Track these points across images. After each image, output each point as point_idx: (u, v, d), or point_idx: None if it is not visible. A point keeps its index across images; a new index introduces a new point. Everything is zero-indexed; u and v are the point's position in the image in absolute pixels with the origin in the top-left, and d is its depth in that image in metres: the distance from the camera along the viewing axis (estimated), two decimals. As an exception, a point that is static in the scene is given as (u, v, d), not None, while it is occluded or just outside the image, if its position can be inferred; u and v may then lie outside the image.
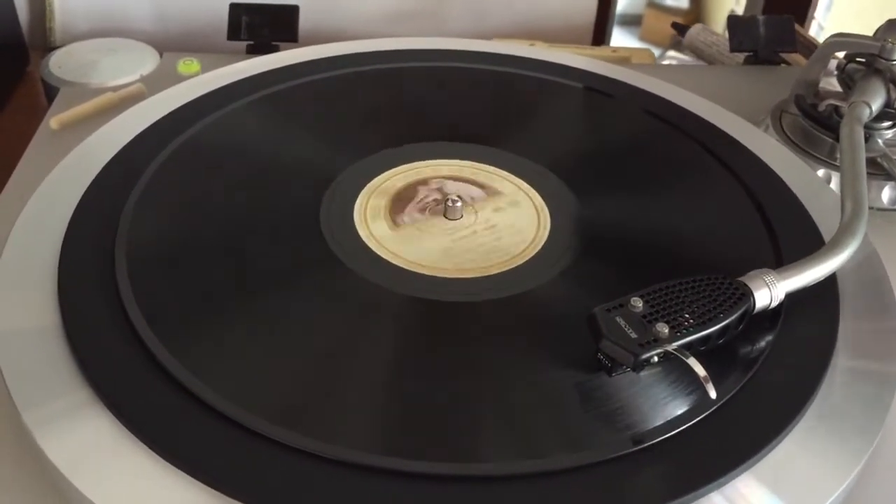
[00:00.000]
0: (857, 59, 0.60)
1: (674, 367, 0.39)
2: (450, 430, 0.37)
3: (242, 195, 0.50)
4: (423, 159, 0.54)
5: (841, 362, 0.41)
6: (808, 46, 0.79)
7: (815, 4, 1.05)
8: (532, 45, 0.76)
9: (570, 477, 0.35)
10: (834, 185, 0.57)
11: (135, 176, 0.50)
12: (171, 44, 0.78)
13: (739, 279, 0.40)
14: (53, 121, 0.58)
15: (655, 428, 0.36)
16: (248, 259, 0.46)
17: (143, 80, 0.65)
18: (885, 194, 0.56)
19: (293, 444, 0.35)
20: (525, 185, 0.52)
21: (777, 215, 0.50)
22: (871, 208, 0.47)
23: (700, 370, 0.36)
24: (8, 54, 0.77)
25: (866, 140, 0.54)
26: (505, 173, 0.53)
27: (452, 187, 0.52)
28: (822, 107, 0.60)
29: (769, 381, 0.39)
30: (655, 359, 0.37)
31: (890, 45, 0.57)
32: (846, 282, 0.45)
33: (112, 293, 0.42)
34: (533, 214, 0.50)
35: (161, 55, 0.70)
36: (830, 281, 0.44)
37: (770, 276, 0.41)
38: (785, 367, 0.40)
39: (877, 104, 0.56)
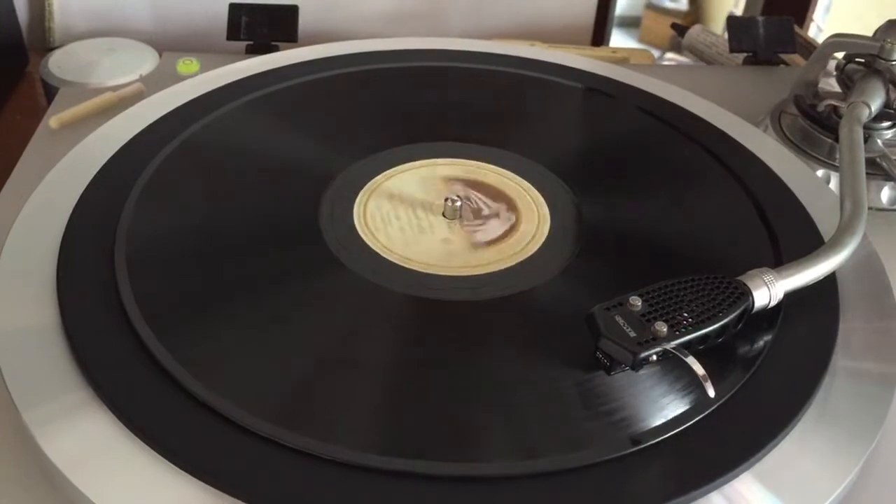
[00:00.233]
0: (857, 60, 0.60)
1: (673, 366, 0.39)
2: (448, 430, 0.37)
3: (241, 195, 0.50)
4: (422, 159, 0.54)
5: (840, 362, 0.41)
6: (808, 47, 0.79)
7: (815, 6, 1.05)
8: (532, 45, 0.76)
9: (568, 477, 0.35)
10: (833, 185, 0.57)
11: (134, 175, 0.50)
12: (171, 44, 0.78)
13: (738, 278, 0.40)
14: (53, 120, 0.58)
15: (654, 427, 0.36)
16: (248, 258, 0.46)
17: (142, 79, 0.65)
18: (885, 194, 0.56)
19: (293, 443, 0.35)
20: (525, 184, 0.52)
21: (776, 215, 0.50)
22: (870, 208, 0.47)
23: (699, 369, 0.36)
24: (7, 54, 0.77)
25: (865, 140, 0.54)
26: (505, 172, 0.53)
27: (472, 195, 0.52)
28: (821, 107, 0.60)
29: (768, 381, 0.39)
30: (654, 357, 0.37)
31: (889, 45, 0.57)
32: (846, 282, 0.45)
33: (111, 293, 0.42)
34: (532, 213, 0.50)
35: (160, 55, 0.70)
36: (830, 281, 0.44)
37: (769, 276, 0.41)
38: (784, 367, 0.40)
39: (876, 104, 0.56)
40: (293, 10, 0.71)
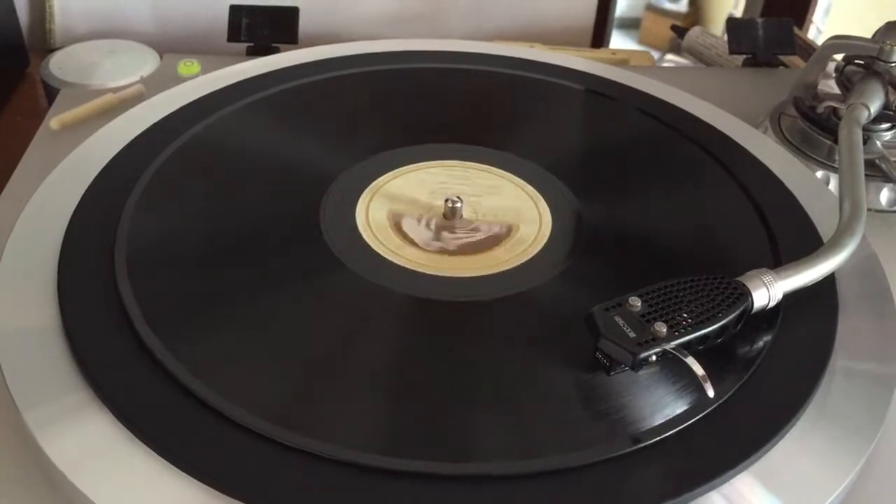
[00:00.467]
0: (856, 62, 0.60)
1: (672, 366, 0.39)
2: (448, 430, 0.37)
3: (242, 196, 0.50)
4: (424, 160, 0.54)
5: (839, 362, 0.41)
6: (807, 49, 0.79)
7: (814, 8, 1.05)
8: (532, 47, 0.76)
9: (568, 476, 0.35)
10: (832, 186, 0.57)
11: (135, 177, 0.50)
12: (172, 45, 0.79)
13: (738, 279, 0.41)
14: (54, 121, 0.59)
15: (654, 427, 0.36)
16: (248, 259, 0.46)
17: (143, 81, 0.65)
18: (884, 196, 0.56)
19: (293, 443, 0.35)
20: (525, 186, 0.52)
21: (776, 216, 0.50)
22: (869, 210, 0.47)
23: (698, 369, 0.37)
24: (8, 56, 0.77)
25: (865, 142, 0.54)
26: (505, 173, 0.53)
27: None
28: (820, 109, 0.60)
29: (768, 381, 0.39)
30: (654, 358, 0.37)
31: (888, 47, 0.57)
32: (845, 283, 0.45)
33: (112, 293, 0.42)
34: (534, 215, 0.50)
35: (161, 56, 0.70)
36: (829, 282, 0.44)
37: (768, 276, 0.41)
38: (783, 367, 0.40)
39: (875, 106, 0.56)
40: (294, 11, 0.71)
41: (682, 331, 0.38)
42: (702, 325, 0.38)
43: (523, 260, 0.47)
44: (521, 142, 0.57)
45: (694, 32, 0.86)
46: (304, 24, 0.72)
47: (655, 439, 0.36)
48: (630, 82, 0.64)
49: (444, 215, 0.49)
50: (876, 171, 0.56)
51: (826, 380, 0.40)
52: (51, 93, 0.65)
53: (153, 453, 0.35)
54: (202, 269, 0.45)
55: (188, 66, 0.67)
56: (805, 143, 0.60)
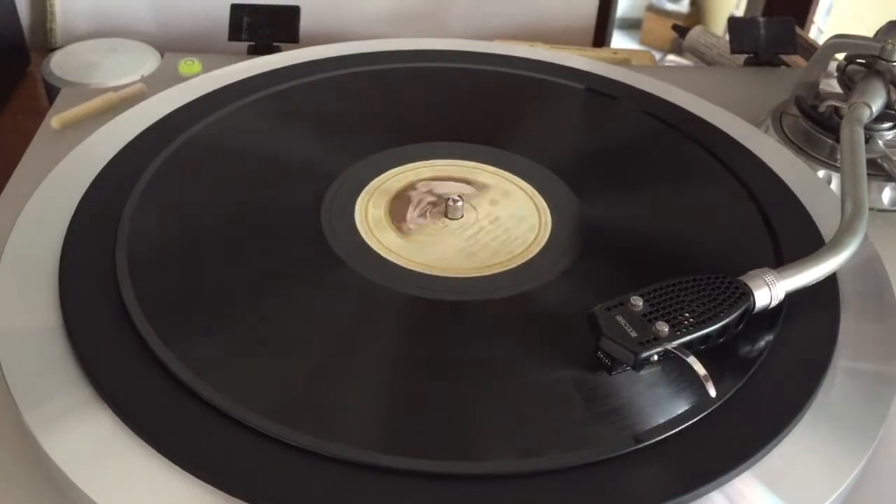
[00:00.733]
0: (858, 61, 0.60)
1: (674, 366, 0.39)
2: (450, 429, 0.37)
3: (243, 195, 0.50)
4: (425, 160, 0.54)
5: (841, 362, 0.41)
6: (809, 48, 0.79)
7: (815, 8, 1.05)
8: (533, 46, 0.76)
9: (569, 476, 0.35)
10: (834, 185, 0.57)
11: (136, 175, 0.50)
12: (172, 44, 0.79)
13: (739, 278, 0.40)
14: (54, 120, 0.59)
15: (655, 427, 0.36)
16: (249, 258, 0.46)
17: (143, 80, 0.65)
18: (886, 195, 0.56)
19: (294, 441, 0.35)
20: (526, 186, 0.52)
21: (777, 216, 0.50)
22: (871, 209, 0.47)
23: (700, 369, 0.36)
24: (9, 55, 0.77)
25: (866, 141, 0.54)
26: (506, 173, 0.53)
27: (441, 188, 0.52)
28: (822, 108, 0.60)
29: (769, 381, 0.39)
30: (655, 357, 0.37)
31: (890, 46, 0.57)
32: (847, 283, 0.45)
33: (113, 292, 0.42)
34: (534, 214, 0.50)
35: (162, 55, 0.70)
36: (831, 281, 0.44)
37: (770, 276, 0.41)
38: (785, 367, 0.40)
39: (877, 105, 0.56)
40: (295, 10, 0.71)
41: (684, 330, 0.38)
42: (703, 325, 0.38)
43: (524, 259, 0.47)
44: (522, 141, 0.56)
45: (695, 32, 0.86)
46: (305, 23, 0.72)
47: (657, 439, 0.36)
48: (631, 81, 0.64)
49: (445, 214, 0.49)
50: (878, 171, 0.56)
51: (828, 379, 0.40)
52: (52, 92, 0.65)
53: (154, 452, 0.35)
54: (203, 267, 0.45)
55: (189, 65, 0.67)
56: (807, 143, 0.60)
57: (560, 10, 0.90)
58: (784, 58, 0.76)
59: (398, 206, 0.50)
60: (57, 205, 0.48)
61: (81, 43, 0.71)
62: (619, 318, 0.38)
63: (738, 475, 0.35)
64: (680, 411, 0.37)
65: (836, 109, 0.59)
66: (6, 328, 0.40)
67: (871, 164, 0.54)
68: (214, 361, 0.39)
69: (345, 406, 0.37)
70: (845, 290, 0.45)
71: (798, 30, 0.78)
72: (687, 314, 0.38)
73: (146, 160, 0.51)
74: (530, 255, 0.47)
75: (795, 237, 0.48)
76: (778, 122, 0.62)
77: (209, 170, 0.52)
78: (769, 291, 0.40)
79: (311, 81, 0.61)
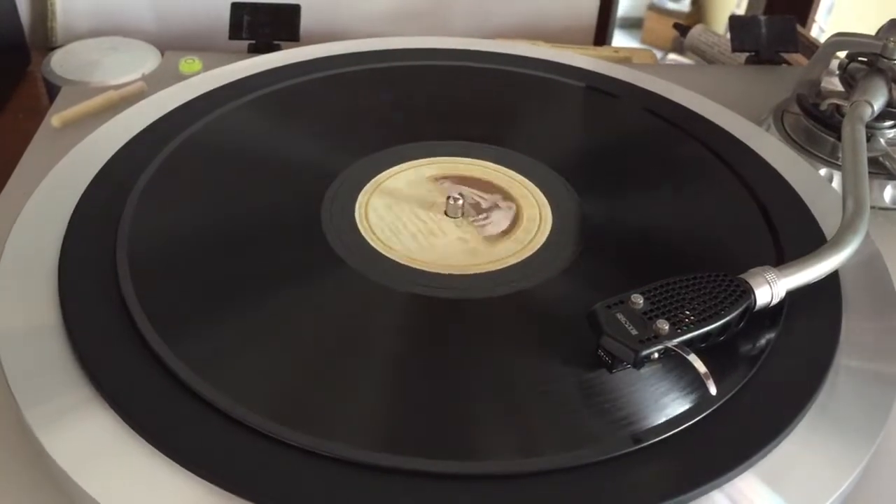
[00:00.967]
0: (859, 59, 0.60)
1: (675, 364, 0.39)
2: (450, 428, 0.37)
3: (243, 193, 0.50)
4: (425, 157, 0.54)
5: (843, 361, 0.41)
6: (810, 47, 0.79)
7: (816, 7, 1.04)
8: (534, 45, 0.76)
9: (570, 475, 0.35)
10: (836, 184, 0.57)
11: (136, 174, 0.50)
12: (173, 43, 0.78)
13: (740, 276, 0.40)
14: (55, 119, 0.59)
15: (656, 426, 0.36)
16: (249, 257, 0.46)
17: (144, 78, 0.65)
18: (887, 193, 0.56)
19: (295, 441, 0.35)
20: (527, 183, 0.52)
21: (779, 214, 0.50)
22: (872, 207, 0.47)
23: (701, 367, 0.36)
24: (9, 54, 0.77)
25: (868, 139, 0.54)
26: (507, 170, 0.53)
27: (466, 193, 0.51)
28: (823, 106, 0.59)
29: (771, 380, 0.39)
30: (656, 355, 0.37)
31: (892, 44, 0.57)
32: (848, 281, 0.45)
33: (113, 291, 0.42)
34: (535, 212, 0.50)
35: (162, 54, 0.70)
36: (833, 280, 0.44)
37: (771, 274, 0.41)
38: (787, 366, 0.40)
39: (879, 103, 0.56)
40: (295, 9, 0.71)
41: (685, 328, 0.38)
42: (704, 323, 0.38)
43: (525, 257, 0.47)
44: (524, 139, 0.56)
45: (696, 30, 0.86)
46: (306, 21, 0.72)
47: (657, 438, 0.36)
48: (632, 80, 0.64)
49: (446, 212, 0.49)
50: (879, 169, 0.56)
51: (829, 378, 0.40)
52: (52, 90, 0.65)
53: (155, 450, 0.35)
54: (203, 266, 0.45)
55: (189, 63, 0.66)
56: (808, 141, 0.60)
57: (561, 9, 0.90)
58: (785, 56, 0.76)
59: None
60: (57, 203, 0.48)
61: (82, 41, 0.71)
62: (620, 316, 0.38)
63: (739, 474, 0.35)
64: (681, 410, 0.37)
65: (838, 107, 0.59)
66: (7, 327, 0.40)
67: (873, 162, 0.54)
68: (215, 360, 0.39)
69: (344, 405, 0.37)
70: (847, 288, 0.45)
71: (799, 28, 0.78)
72: (688, 312, 0.38)
73: (147, 159, 0.51)
74: (531, 253, 0.47)
75: (797, 235, 0.48)
76: (779, 121, 0.62)
77: (210, 168, 0.52)
78: (770, 290, 0.40)
79: (311, 80, 0.61)
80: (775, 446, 0.37)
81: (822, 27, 1.26)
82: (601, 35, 0.95)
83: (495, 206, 0.50)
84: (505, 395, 0.38)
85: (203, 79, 0.60)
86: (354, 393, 0.38)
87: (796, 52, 0.76)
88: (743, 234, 0.49)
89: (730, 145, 0.57)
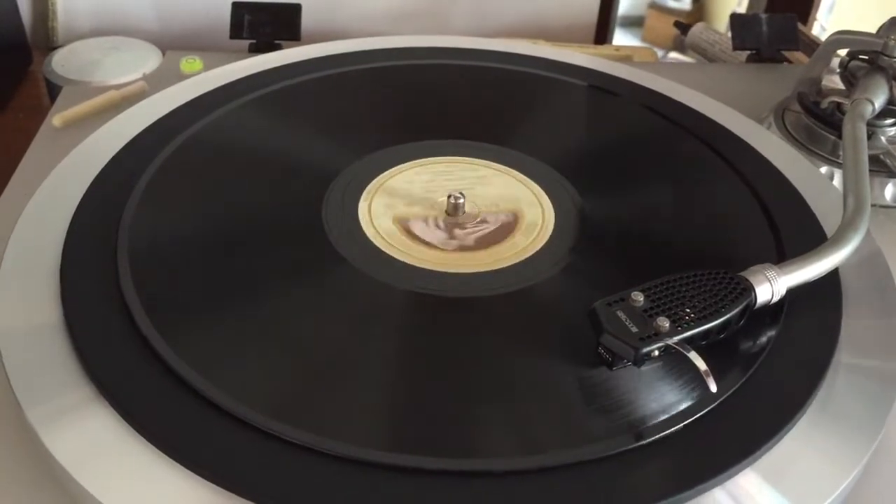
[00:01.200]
0: (860, 57, 0.60)
1: (675, 361, 0.38)
2: (450, 426, 0.37)
3: (244, 192, 0.50)
4: (426, 157, 0.54)
5: (843, 358, 0.41)
6: (811, 45, 0.79)
7: (818, 5, 1.04)
8: (534, 43, 0.76)
9: (570, 472, 0.35)
10: (837, 182, 0.56)
11: (137, 173, 0.50)
12: (174, 42, 0.79)
13: (741, 274, 0.40)
14: (56, 119, 0.59)
15: (657, 423, 0.36)
16: (251, 256, 0.46)
17: (145, 78, 0.65)
18: (888, 191, 0.56)
19: (296, 439, 0.35)
20: (528, 182, 0.52)
21: (780, 212, 0.50)
22: (873, 205, 0.47)
23: (701, 364, 0.36)
24: (10, 53, 0.77)
25: (869, 137, 0.54)
26: (508, 169, 0.53)
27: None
28: (824, 104, 0.59)
29: (772, 377, 0.39)
30: (656, 353, 0.37)
31: (893, 42, 0.57)
32: (849, 279, 0.45)
33: (115, 290, 0.42)
34: (536, 210, 0.50)
35: (163, 54, 0.70)
36: (833, 277, 0.44)
37: (771, 271, 0.41)
38: (787, 363, 0.40)
39: (879, 101, 0.56)
40: (296, 8, 0.71)
41: (685, 326, 0.38)
42: (704, 321, 0.38)
43: (526, 255, 0.47)
44: (524, 138, 0.56)
45: (697, 28, 0.86)
46: (307, 20, 0.72)
47: (658, 435, 0.36)
48: (633, 78, 0.64)
49: (447, 211, 0.49)
50: (880, 167, 0.56)
51: (830, 376, 0.40)
52: (53, 90, 0.65)
53: (156, 449, 0.35)
54: (204, 265, 0.45)
55: (190, 63, 0.67)
56: (809, 139, 0.60)
57: (562, 8, 0.90)
58: (786, 54, 0.76)
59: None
60: (59, 203, 0.48)
61: (83, 41, 0.71)
62: (620, 314, 0.38)
63: (740, 471, 0.35)
64: (681, 407, 0.37)
65: (839, 105, 0.59)
66: (8, 326, 0.40)
67: (874, 160, 0.54)
68: (216, 359, 0.39)
69: (345, 404, 0.37)
70: (847, 285, 0.45)
71: (800, 26, 0.78)
72: (688, 310, 0.38)
73: (147, 158, 0.51)
74: (532, 251, 0.47)
75: (797, 233, 0.48)
76: (780, 119, 0.62)
77: (210, 167, 0.52)
78: (771, 287, 0.40)
79: (312, 79, 0.61)
80: (776, 443, 0.37)
81: (824, 25, 1.26)
82: (602, 33, 0.95)
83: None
84: (506, 393, 0.38)
85: (204, 78, 0.60)
86: (355, 391, 0.38)
87: (797, 50, 0.76)
88: (743, 232, 0.49)
89: (731, 143, 0.57)
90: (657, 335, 0.37)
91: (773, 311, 0.42)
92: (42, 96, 0.72)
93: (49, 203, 0.48)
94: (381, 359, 0.40)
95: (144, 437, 0.35)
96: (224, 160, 0.53)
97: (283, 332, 0.41)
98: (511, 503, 0.34)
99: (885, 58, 0.58)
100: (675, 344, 0.37)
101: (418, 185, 0.52)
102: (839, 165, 0.57)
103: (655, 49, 0.93)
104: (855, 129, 0.52)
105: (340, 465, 0.34)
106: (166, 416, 0.36)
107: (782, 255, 0.46)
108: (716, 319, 0.38)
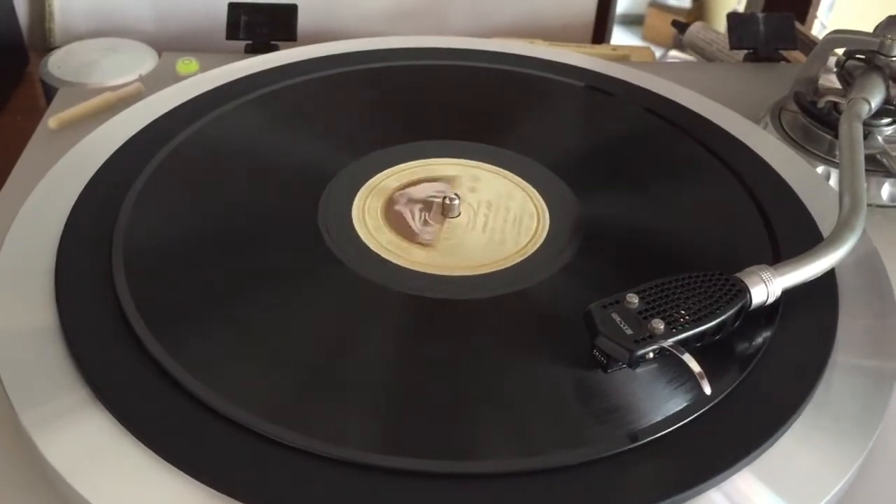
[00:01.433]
0: (857, 56, 0.60)
1: (670, 363, 0.38)
2: (448, 428, 0.37)
3: (240, 194, 0.50)
4: (422, 158, 0.54)
5: (840, 358, 0.41)
6: (808, 44, 0.79)
7: (817, 3, 1.04)
8: (531, 43, 0.76)
9: (566, 474, 0.34)
10: (833, 182, 0.56)
11: (132, 175, 0.50)
12: (170, 43, 0.78)
13: (736, 275, 0.40)
14: (52, 120, 0.59)
15: (653, 424, 0.36)
16: (246, 258, 0.45)
17: (141, 79, 0.65)
18: (885, 191, 0.56)
19: (291, 442, 0.35)
20: (523, 183, 0.52)
21: (776, 212, 0.50)
22: (870, 205, 0.47)
23: (695, 366, 0.36)
24: (7, 55, 0.77)
25: (865, 137, 0.54)
26: (504, 171, 0.53)
27: (419, 192, 0.51)
28: (821, 104, 0.59)
29: (767, 378, 0.39)
30: (651, 355, 0.37)
31: (889, 41, 0.57)
32: (845, 279, 0.45)
33: (109, 293, 0.42)
34: (532, 212, 0.50)
35: (160, 55, 0.70)
36: (829, 277, 0.44)
37: (767, 273, 0.40)
38: (783, 363, 0.40)
39: (876, 101, 0.56)
40: (292, 9, 0.71)
41: (680, 328, 0.38)
42: (699, 322, 0.38)
43: (521, 258, 0.46)
44: (520, 139, 0.56)
45: (695, 28, 0.86)
46: (303, 21, 0.72)
47: (654, 437, 0.36)
48: (630, 78, 0.64)
49: (442, 213, 0.49)
50: (877, 166, 0.56)
51: (826, 376, 0.40)
52: (49, 92, 0.65)
53: (151, 453, 0.35)
54: (200, 267, 0.45)
55: (187, 64, 0.66)
56: (806, 139, 0.60)
57: (559, 7, 0.90)
58: (785, 53, 0.76)
59: (399, 225, 0.49)
60: (54, 205, 0.48)
61: (79, 42, 0.71)
62: (615, 316, 0.38)
63: (736, 472, 0.35)
64: (677, 409, 0.37)
65: (836, 105, 0.59)
66: (3, 328, 0.40)
67: (870, 159, 0.54)
68: (211, 362, 0.39)
69: (342, 406, 0.37)
70: (844, 286, 0.45)
71: (798, 25, 0.78)
72: (683, 311, 0.38)
73: (143, 160, 0.51)
74: (528, 253, 0.47)
75: (793, 233, 0.48)
76: (777, 118, 0.62)
77: (206, 169, 0.52)
78: (766, 288, 0.40)
79: (308, 80, 0.61)
80: (772, 444, 0.37)
81: (824, 23, 1.26)
82: (599, 33, 0.94)
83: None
84: (502, 395, 0.38)
85: (200, 79, 0.60)
86: (352, 394, 0.38)
87: (795, 49, 0.76)
88: (739, 233, 0.49)
89: (727, 143, 0.56)
90: (652, 337, 0.37)
91: (769, 312, 0.42)
92: (39, 98, 0.72)
93: (44, 205, 0.48)
94: (377, 361, 0.40)
95: (140, 440, 0.35)
96: (220, 162, 0.53)
97: (279, 334, 0.41)
98: (506, 505, 0.33)
99: (882, 57, 0.58)
100: (670, 346, 0.37)
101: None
102: (836, 165, 0.57)
103: (656, 47, 0.93)
104: (851, 129, 0.52)
105: (336, 468, 0.34)
106: (162, 420, 0.36)
107: (778, 256, 0.46)
108: (711, 321, 0.38)
